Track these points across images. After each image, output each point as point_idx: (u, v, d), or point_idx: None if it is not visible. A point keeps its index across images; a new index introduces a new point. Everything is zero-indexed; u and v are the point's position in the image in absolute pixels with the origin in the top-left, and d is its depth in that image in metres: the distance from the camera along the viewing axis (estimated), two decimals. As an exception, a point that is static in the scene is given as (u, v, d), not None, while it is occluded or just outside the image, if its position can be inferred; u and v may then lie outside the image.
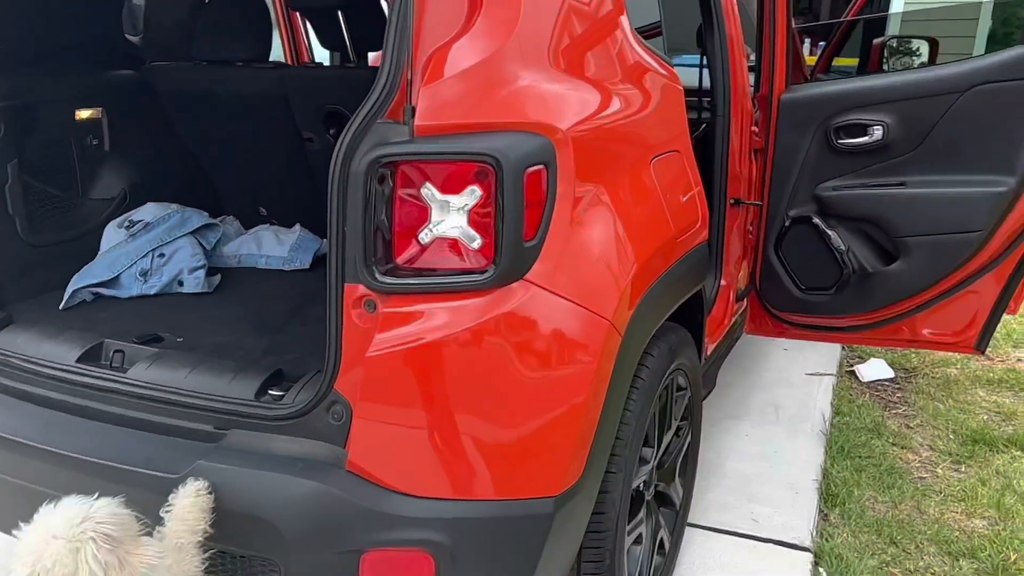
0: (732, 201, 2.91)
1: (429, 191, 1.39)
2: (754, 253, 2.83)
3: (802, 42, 5.11)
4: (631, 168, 1.67)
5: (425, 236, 1.42)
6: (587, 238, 1.52)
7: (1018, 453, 3.01)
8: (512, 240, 1.38)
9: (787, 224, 2.66)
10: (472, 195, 1.38)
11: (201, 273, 2.28)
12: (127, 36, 2.38)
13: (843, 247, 2.56)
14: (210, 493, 1.47)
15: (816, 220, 2.60)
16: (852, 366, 3.82)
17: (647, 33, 1.96)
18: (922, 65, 3.50)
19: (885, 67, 3.57)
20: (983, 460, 2.97)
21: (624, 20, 1.76)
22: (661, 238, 1.74)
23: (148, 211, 2.39)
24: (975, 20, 6.98)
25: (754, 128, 2.83)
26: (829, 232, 2.58)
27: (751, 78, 2.77)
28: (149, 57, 2.52)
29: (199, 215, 2.43)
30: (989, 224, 2.30)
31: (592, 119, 1.56)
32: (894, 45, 3.63)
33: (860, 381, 3.71)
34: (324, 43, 2.74)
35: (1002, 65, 2.18)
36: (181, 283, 2.27)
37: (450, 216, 1.40)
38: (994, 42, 7.27)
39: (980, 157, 2.27)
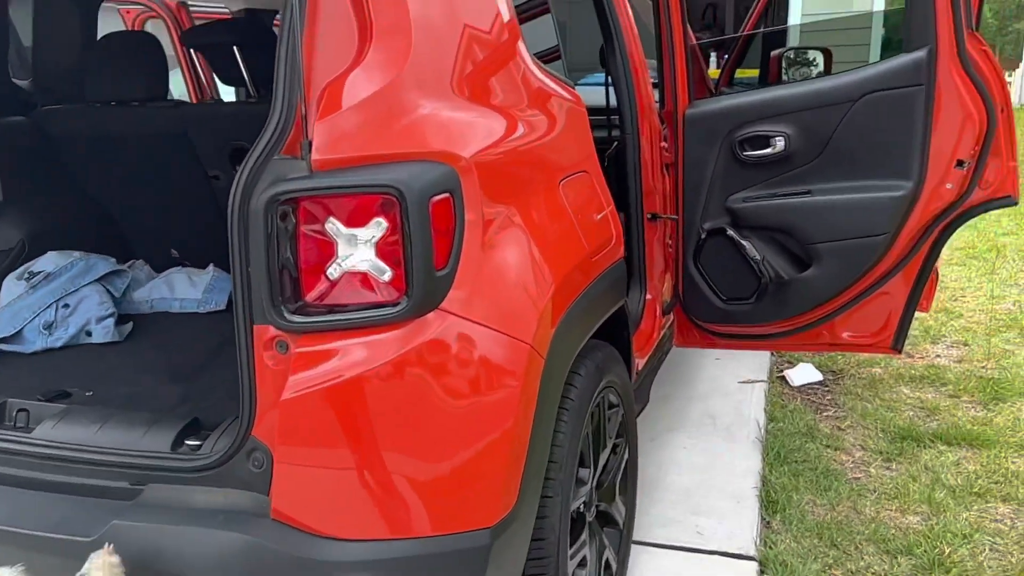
0: (649, 216, 2.97)
1: (334, 226, 1.36)
2: (675, 266, 2.88)
3: (707, 56, 5.29)
4: (540, 191, 1.68)
5: (333, 271, 1.38)
6: (501, 263, 1.52)
7: (944, 447, 3.12)
8: (423, 270, 1.36)
9: (703, 237, 2.72)
10: (378, 227, 1.36)
11: (110, 322, 2.19)
12: (14, 80, 2.28)
13: (758, 256, 2.63)
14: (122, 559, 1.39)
15: (730, 232, 2.66)
16: (782, 371, 3.91)
17: (547, 57, 1.98)
18: (819, 75, 3.66)
19: (785, 77, 3.71)
20: (912, 456, 3.07)
21: (521, 46, 1.77)
22: (576, 258, 1.75)
23: (49, 260, 2.29)
24: (868, 29, 7.38)
25: (663, 143, 2.90)
26: (744, 243, 2.64)
27: (656, 94, 2.84)
28: (41, 101, 2.42)
29: (105, 261, 2.33)
30: (891, 227, 2.39)
31: (496, 145, 1.57)
32: (792, 56, 3.78)
33: (791, 386, 3.79)
34: (223, 79, 2.69)
35: (888, 73, 2.29)
36: (89, 334, 2.17)
37: (357, 250, 1.37)
38: (888, 49, 7.69)
39: (877, 163, 2.37)
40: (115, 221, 2.59)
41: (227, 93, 3.56)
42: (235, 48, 2.52)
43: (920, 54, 2.23)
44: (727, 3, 12.31)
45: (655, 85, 2.80)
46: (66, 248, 2.36)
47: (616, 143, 2.97)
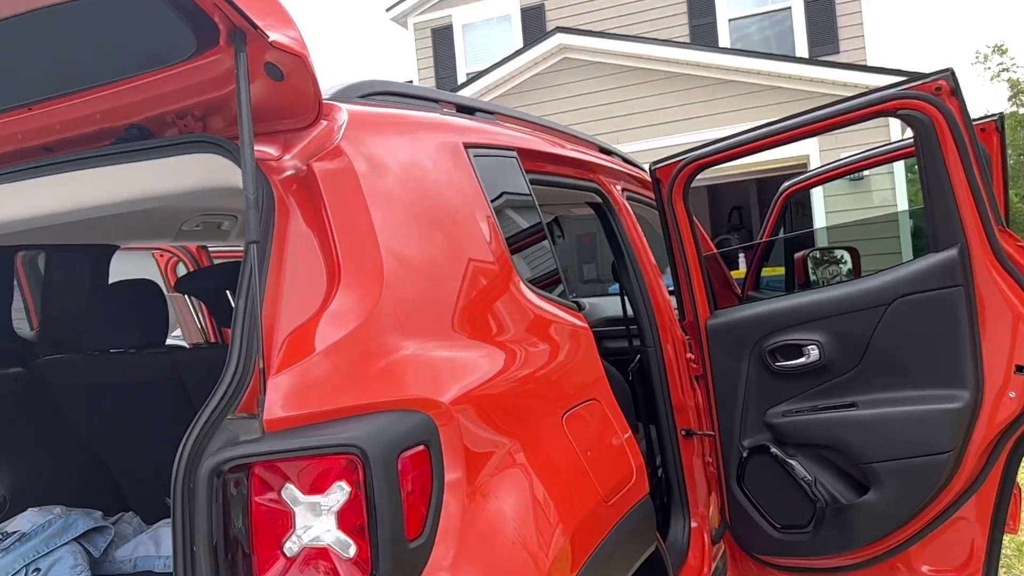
0: (684, 432, 2.73)
1: (291, 493, 1.18)
2: (720, 488, 2.59)
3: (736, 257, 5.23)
4: (539, 430, 1.49)
5: (291, 547, 1.18)
6: (491, 524, 1.29)
7: None
8: (390, 542, 1.14)
9: (745, 455, 2.45)
10: (340, 493, 1.17)
11: (79, 590, 1.96)
12: (17, 333, 2.27)
13: (810, 478, 2.34)
14: None
15: (774, 449, 2.40)
16: (859, 602, 3.38)
17: (546, 282, 1.88)
18: (849, 273, 3.53)
19: (813, 277, 3.60)
20: None
21: (515, 274, 1.68)
22: (588, 504, 1.51)
23: (26, 519, 2.11)
24: (895, 222, 7.40)
25: (690, 355, 2.73)
26: (791, 462, 2.36)
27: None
28: (43, 351, 2.39)
29: (87, 518, 2.15)
30: (955, 443, 2.11)
31: (484, 384, 1.41)
32: (818, 256, 3.69)
33: (871, 620, 3.26)
34: (220, 321, 2.66)
35: (920, 275, 2.13)
36: (56, 604, 1.94)
37: (318, 520, 1.18)
38: (920, 238, 7.65)
39: (925, 371, 2.14)
40: (109, 469, 2.45)
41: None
42: (227, 292, 2.52)
43: (951, 253, 2.09)
44: (752, 205, 12.74)
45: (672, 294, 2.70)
46: (55, 498, 2.21)
47: (639, 356, 2.82)
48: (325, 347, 1.25)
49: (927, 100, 2.02)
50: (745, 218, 12.83)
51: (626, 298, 2.81)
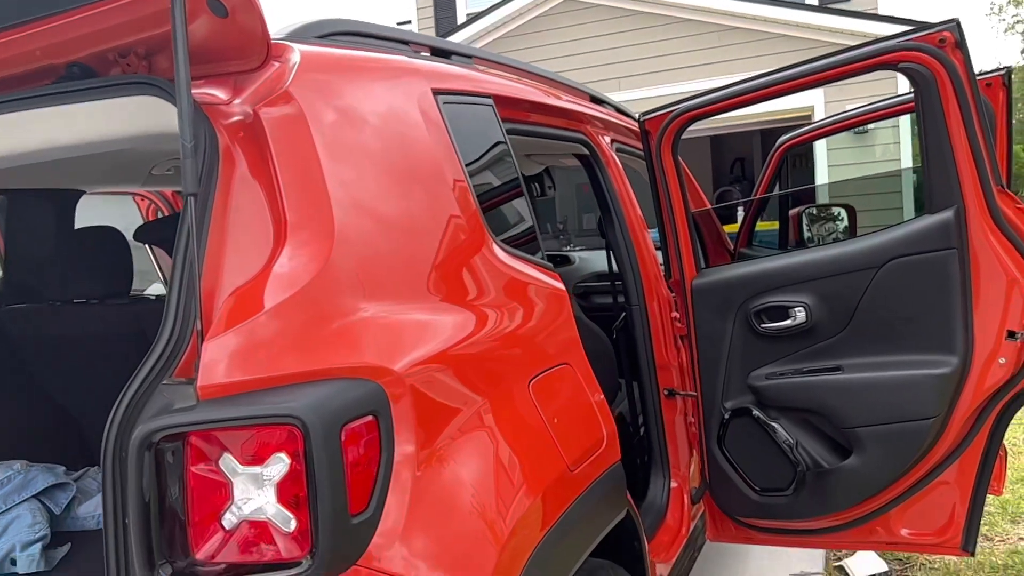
0: (666, 392, 2.68)
1: (229, 464, 1.12)
2: (701, 449, 2.55)
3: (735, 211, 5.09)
4: (503, 397, 1.42)
5: (230, 519, 1.12)
6: (445, 497, 1.24)
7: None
8: (332, 517, 1.08)
9: (726, 417, 2.40)
10: (280, 465, 1.11)
11: (36, 548, 1.92)
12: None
13: (791, 441, 2.29)
14: None
15: (756, 412, 2.34)
16: (840, 560, 3.39)
17: (521, 241, 1.79)
18: (845, 231, 3.44)
19: (808, 233, 3.50)
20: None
21: (485, 232, 1.59)
22: (552, 474, 1.46)
23: (-16, 475, 2.06)
24: (898, 179, 7.24)
25: (675, 314, 2.66)
26: (773, 425, 2.31)
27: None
28: (7, 300, 2.31)
29: (47, 474, 2.10)
30: (941, 409, 2.05)
31: (443, 351, 1.33)
32: (814, 212, 3.59)
33: (850, 579, 3.27)
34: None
35: (914, 236, 2.04)
36: (14, 562, 1.90)
37: (258, 492, 1.12)
38: (923, 196, 7.49)
39: (914, 335, 2.07)
40: (75, 422, 2.40)
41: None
42: None
43: (947, 215, 1.99)
44: (755, 156, 12.52)
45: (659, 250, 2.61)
46: (20, 452, 2.16)
47: (623, 314, 2.75)
48: (268, 309, 1.17)
49: (930, 53, 1.89)
50: (748, 170, 12.63)
51: (612, 254, 2.73)
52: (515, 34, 9.53)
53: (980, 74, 2.62)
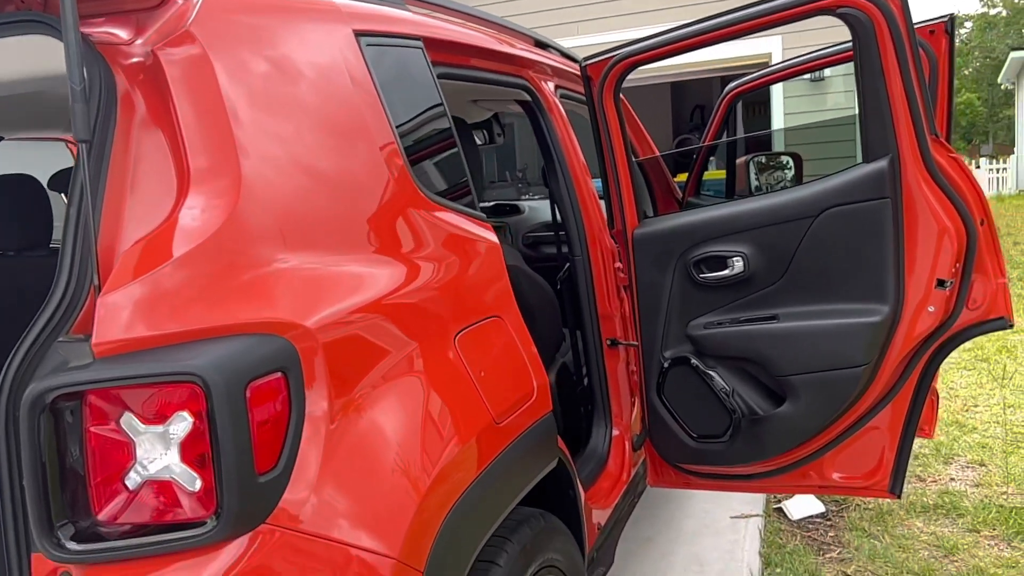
0: (609, 342, 2.69)
1: (130, 422, 1.08)
2: (642, 396, 2.58)
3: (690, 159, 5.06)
4: (424, 351, 1.39)
5: (133, 479, 1.09)
6: (360, 454, 1.22)
7: (964, 596, 2.69)
8: (236, 476, 1.06)
9: (666, 366, 2.42)
10: (183, 424, 1.07)
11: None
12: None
13: (727, 389, 2.32)
14: None
15: (695, 361, 2.36)
16: (780, 503, 3.50)
17: (457, 193, 1.74)
18: (793, 179, 3.44)
19: (756, 183, 3.50)
20: (928, 609, 2.64)
21: (409, 179, 1.54)
22: (475, 428, 1.45)
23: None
24: (852, 126, 7.27)
25: (618, 264, 2.65)
26: (710, 373, 2.34)
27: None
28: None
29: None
30: (871, 357, 2.08)
31: (360, 304, 1.30)
32: (762, 161, 3.58)
33: (789, 520, 3.38)
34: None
35: (849, 186, 2.04)
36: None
37: (161, 451, 1.08)
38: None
39: (848, 284, 2.09)
40: None
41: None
42: None
43: (882, 164, 1.99)
44: (715, 103, 12.46)
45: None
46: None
47: (567, 265, 2.74)
48: (170, 263, 1.12)
49: (869, -3, 1.86)
50: (708, 117, 12.57)
51: (555, 205, 2.70)
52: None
53: (923, 21, 2.61)
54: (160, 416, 1.08)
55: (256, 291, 1.18)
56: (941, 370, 5.13)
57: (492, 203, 4.08)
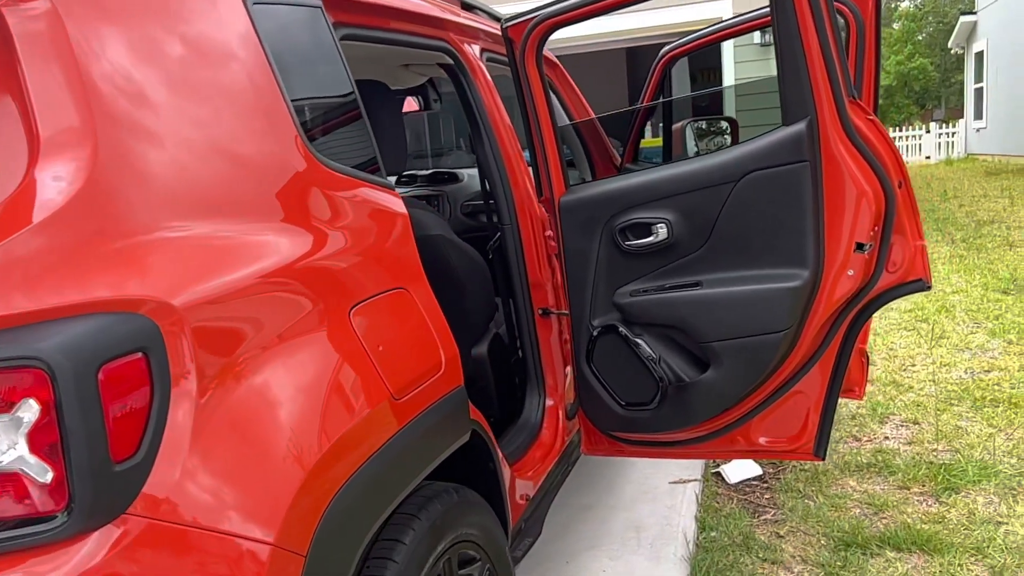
0: (541, 311, 2.66)
1: (-26, 410, 1.01)
2: (574, 365, 2.55)
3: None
4: (310, 327, 1.33)
5: (-18, 470, 1.02)
6: (236, 437, 1.16)
7: (893, 555, 2.74)
8: (88, 466, 0.99)
9: (594, 335, 2.39)
10: (30, 411, 1.00)
11: None
12: None
13: (654, 356, 2.30)
14: None
15: (622, 329, 2.34)
16: (718, 467, 3.54)
17: (352, 156, 1.67)
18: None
19: (696, 148, 3.47)
20: (858, 568, 2.69)
21: (300, 144, 1.46)
22: (368, 405, 1.39)
23: None
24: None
25: (549, 232, 2.61)
26: (637, 341, 2.32)
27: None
28: None
29: None
30: (792, 321, 2.07)
31: (238, 278, 1.23)
32: (702, 127, 3.55)
33: (727, 483, 3.42)
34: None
35: (768, 150, 2.01)
36: None
37: (9, 441, 1.01)
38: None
39: (769, 249, 2.07)
40: None
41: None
42: None
43: (800, 127, 1.96)
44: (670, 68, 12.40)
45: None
46: None
47: (498, 234, 2.68)
48: (15, 237, 1.04)
49: (783, -47, 1.82)
50: (665, 83, 12.52)
51: (482, 173, 2.64)
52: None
53: (849, -19, 2.57)
54: (6, 403, 1.00)
55: (124, 264, 1.11)
56: (882, 330, 5.25)
57: (430, 171, 4.00)
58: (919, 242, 2.07)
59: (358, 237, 1.52)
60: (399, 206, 1.70)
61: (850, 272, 2.06)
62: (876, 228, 2.04)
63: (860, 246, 2.03)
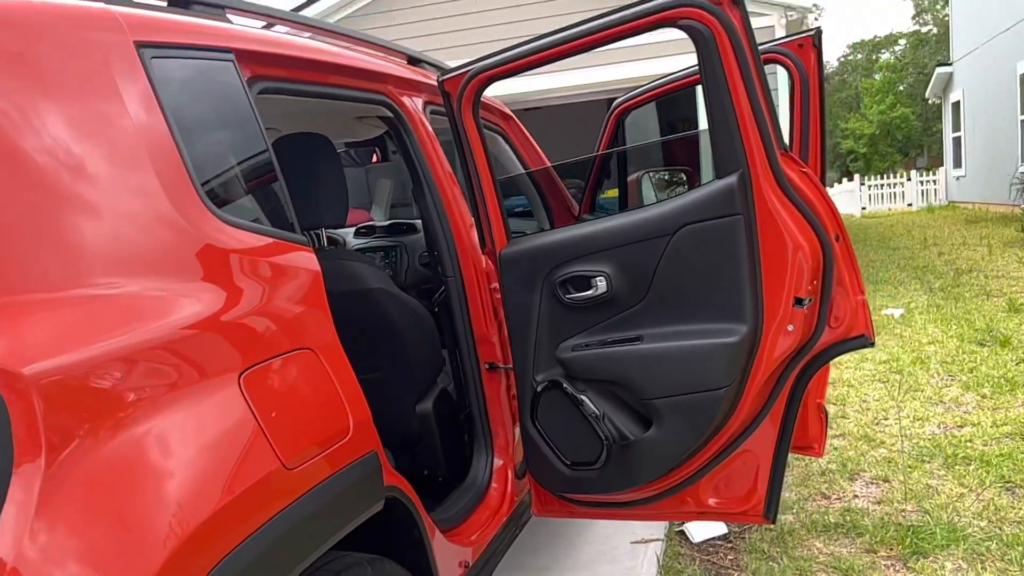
0: (487, 365, 2.59)
1: None
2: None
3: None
4: (189, 392, 1.25)
5: None
6: (90, 517, 1.07)
7: (855, 624, 2.63)
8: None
9: (538, 391, 2.31)
10: None
11: None
12: None
13: (597, 413, 2.22)
14: None
15: (566, 385, 2.26)
16: (682, 526, 3.42)
17: (257, 210, 1.61)
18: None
19: (656, 199, 3.44)
20: (818, 637, 2.57)
21: (194, 199, 1.41)
22: (251, 477, 1.30)
23: None
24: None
25: (494, 285, 2.55)
26: (580, 397, 2.24)
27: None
28: None
29: None
30: (734, 378, 2.00)
31: (108, 346, 1.15)
32: (664, 177, 3.53)
33: (691, 543, 3.30)
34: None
35: (701, 203, 1.96)
36: None
37: None
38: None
39: (707, 304, 2.01)
40: None
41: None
42: None
43: (731, 180, 1.92)
44: (648, 119, 12.55)
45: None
46: None
47: (443, 288, 2.62)
48: None
49: (706, 9, 1.80)
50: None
51: (425, 225, 2.59)
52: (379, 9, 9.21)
53: (791, 35, 2.58)
54: None
55: None
56: (855, 381, 5.16)
57: (388, 222, 3.95)
58: (859, 296, 2.02)
59: (255, 296, 1.45)
60: (310, 263, 1.64)
61: (790, 327, 2.00)
62: (815, 282, 1.99)
63: (800, 301, 1.98)
